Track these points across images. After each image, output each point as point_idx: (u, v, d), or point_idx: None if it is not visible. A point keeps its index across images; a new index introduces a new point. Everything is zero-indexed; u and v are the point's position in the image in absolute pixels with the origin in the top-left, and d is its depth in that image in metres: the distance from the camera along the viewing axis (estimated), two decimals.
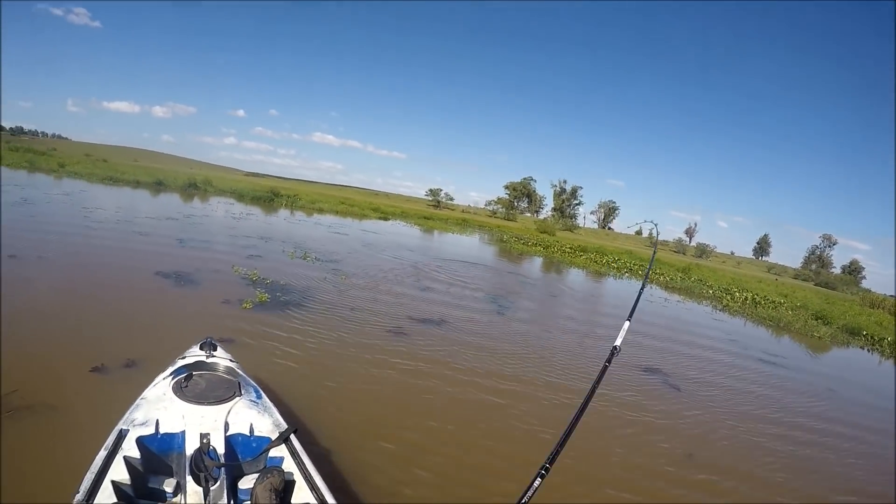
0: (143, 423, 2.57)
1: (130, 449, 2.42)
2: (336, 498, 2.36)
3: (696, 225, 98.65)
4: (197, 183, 33.71)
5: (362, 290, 10.86)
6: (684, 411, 7.11)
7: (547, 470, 1.83)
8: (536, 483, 1.76)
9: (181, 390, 2.82)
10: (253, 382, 3.23)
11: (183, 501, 2.35)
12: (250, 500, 2.27)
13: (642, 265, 31.42)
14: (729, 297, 22.62)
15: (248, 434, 2.73)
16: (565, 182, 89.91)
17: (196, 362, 3.24)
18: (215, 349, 3.47)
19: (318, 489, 2.38)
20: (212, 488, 2.33)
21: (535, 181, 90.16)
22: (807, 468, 6.11)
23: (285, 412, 3.29)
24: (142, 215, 16.64)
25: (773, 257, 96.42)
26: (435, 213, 59.02)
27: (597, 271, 26.19)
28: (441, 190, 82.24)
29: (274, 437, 2.70)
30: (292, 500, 2.41)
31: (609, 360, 2.48)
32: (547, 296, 16.41)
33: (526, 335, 9.85)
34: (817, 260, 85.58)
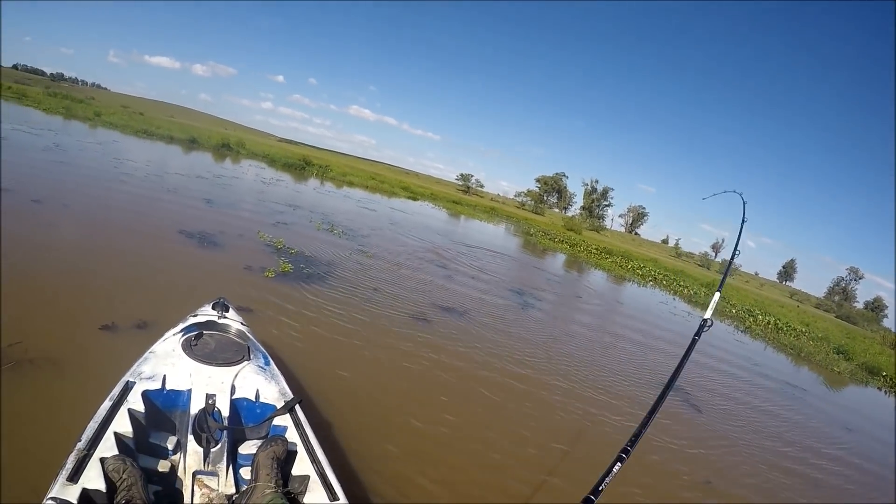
0: (150, 378, 2.54)
1: (135, 402, 2.39)
2: (335, 472, 2.31)
3: (723, 241, 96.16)
4: (230, 144, 33.56)
5: (387, 270, 10.45)
6: (704, 435, 6.72)
7: (627, 453, 1.77)
8: (616, 468, 1.70)
9: (190, 348, 2.81)
10: (262, 348, 3.17)
11: (182, 459, 2.31)
12: (251, 465, 2.28)
13: (667, 276, 30.67)
14: (752, 320, 21.99)
15: (254, 400, 2.70)
16: (597, 182, 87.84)
17: (207, 321, 3.18)
18: (227, 310, 3.41)
19: (319, 462, 2.34)
20: (212, 450, 2.31)
21: (567, 177, 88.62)
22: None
23: (293, 384, 3.18)
24: (172, 171, 16.38)
25: (797, 283, 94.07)
26: (464, 198, 58.42)
27: (621, 276, 25.52)
28: (472, 175, 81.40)
29: (279, 405, 2.67)
30: (293, 471, 2.36)
31: (698, 334, 2.42)
32: (572, 295, 15.88)
33: (549, 334, 9.44)
34: (841, 292, 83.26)
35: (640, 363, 9.34)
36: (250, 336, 3.24)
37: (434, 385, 5.67)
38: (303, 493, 2.26)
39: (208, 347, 2.90)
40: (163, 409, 2.52)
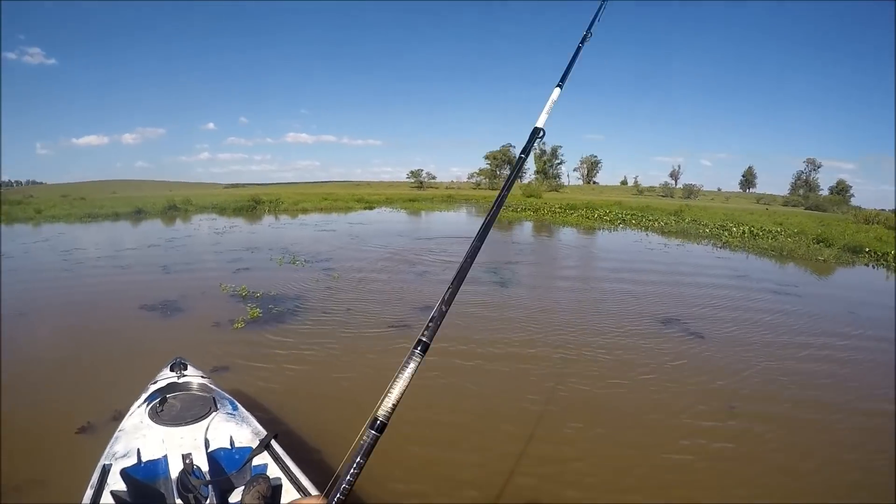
0: (124, 455, 2.52)
1: (116, 483, 2.35)
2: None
3: (679, 167, 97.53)
4: (177, 204, 32.81)
5: (356, 288, 10.43)
6: (716, 363, 6.76)
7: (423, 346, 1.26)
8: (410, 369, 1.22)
9: (157, 415, 2.80)
10: (227, 395, 3.19)
11: None
12: None
13: (634, 214, 31.11)
14: (727, 234, 22.27)
15: (230, 447, 2.71)
16: (545, 143, 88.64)
17: (168, 384, 3.20)
18: (186, 368, 3.43)
19: (305, 489, 2.36)
20: None
21: (515, 147, 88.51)
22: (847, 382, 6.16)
23: (269, 421, 3.33)
24: (123, 248, 15.99)
25: (760, 188, 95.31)
26: (419, 194, 58.43)
27: (590, 227, 25.80)
28: (422, 170, 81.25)
29: (255, 445, 2.65)
30: None
31: (525, 151, 1.73)
32: (549, 259, 16.05)
33: (536, 306, 9.53)
34: (804, 185, 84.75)
35: (638, 308, 9.43)
36: (213, 387, 3.26)
37: (422, 388, 5.70)
38: None
39: (174, 409, 2.89)
40: (144, 482, 2.50)
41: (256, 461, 2.58)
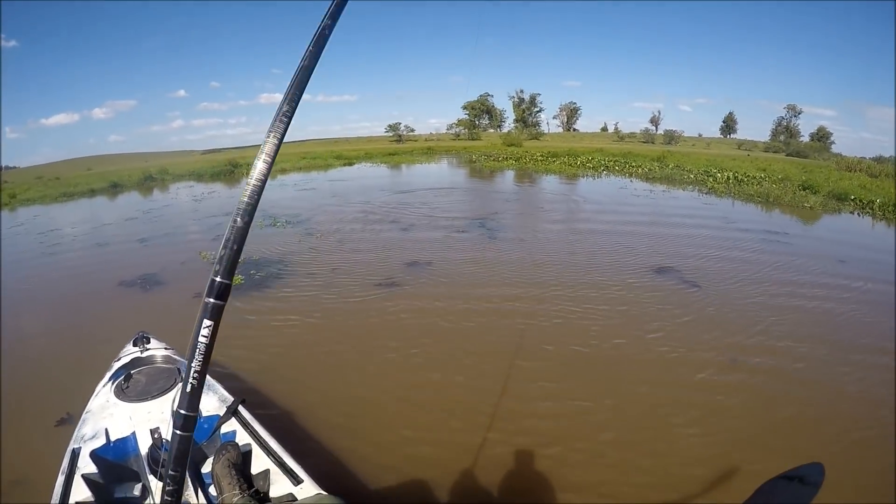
0: (93, 437, 2.48)
1: (87, 466, 2.31)
2: (294, 458, 2.33)
3: (659, 113, 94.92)
4: (153, 174, 31.87)
5: (340, 247, 10.19)
6: (712, 312, 6.59)
7: None
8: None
9: (123, 392, 2.76)
10: None
11: (152, 502, 2.23)
12: (213, 481, 2.20)
13: (616, 160, 30.64)
14: (712, 180, 21.92)
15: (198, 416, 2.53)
16: (522, 91, 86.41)
17: (132, 360, 3.14)
18: (149, 342, 3.36)
19: (275, 452, 2.36)
20: None
21: (493, 96, 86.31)
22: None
23: (239, 387, 3.31)
24: (99, 224, 15.45)
25: (741, 134, 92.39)
26: (399, 147, 57.07)
27: (574, 174, 25.31)
28: (400, 123, 79.14)
29: (222, 413, 2.58)
30: (252, 470, 2.34)
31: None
32: (533, 209, 15.72)
33: (522, 260, 9.42)
34: (785, 131, 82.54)
35: (633, 259, 9.27)
36: (177, 357, 3.20)
37: (415, 349, 5.56)
38: (267, 487, 2.24)
39: (140, 385, 2.84)
40: (116, 462, 2.45)
41: (225, 428, 2.55)
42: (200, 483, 2.34)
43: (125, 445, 2.50)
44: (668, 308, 6.60)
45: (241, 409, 2.60)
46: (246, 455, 2.37)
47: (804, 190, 18.47)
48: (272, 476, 2.28)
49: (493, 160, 33.66)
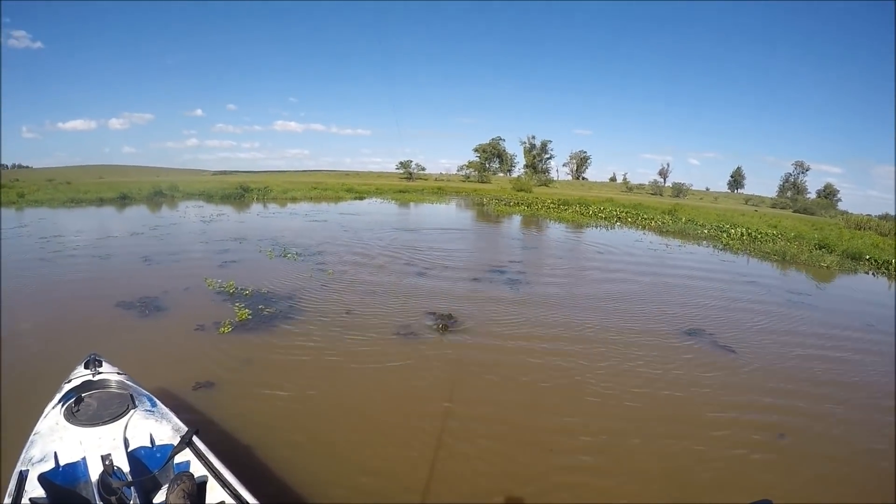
0: (41, 460, 2.38)
1: (34, 489, 2.21)
2: (250, 490, 2.27)
3: (668, 165, 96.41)
4: (163, 190, 31.53)
5: (355, 285, 9.58)
6: (754, 381, 6.17)
7: None
8: None
9: (73, 415, 2.67)
10: (145, 391, 3.05)
11: None
12: None
13: (628, 212, 30.40)
14: (725, 235, 21.70)
15: (150, 445, 2.60)
16: (534, 137, 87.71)
17: (83, 383, 3.00)
18: (101, 365, 3.21)
19: (230, 485, 2.30)
20: None
21: (504, 140, 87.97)
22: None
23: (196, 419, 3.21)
24: (104, 236, 14.81)
25: (748, 189, 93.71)
26: (409, 185, 57.26)
27: (586, 224, 24.96)
28: (411, 161, 79.85)
29: (176, 442, 2.55)
30: (207, 502, 2.28)
31: None
32: (550, 258, 15.18)
33: (545, 316, 8.75)
34: (792, 187, 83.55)
35: (663, 320, 8.74)
36: (130, 383, 3.07)
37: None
38: None
39: (91, 409, 2.75)
40: (65, 487, 2.36)
41: (179, 458, 2.47)
42: None
43: (75, 471, 2.40)
44: (708, 376, 6.07)
45: (195, 440, 2.52)
46: (201, 486, 2.29)
47: (820, 249, 18.21)
48: None
49: (505, 205, 33.41)
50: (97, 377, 3.07)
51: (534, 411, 5.07)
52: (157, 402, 2.93)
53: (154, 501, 2.35)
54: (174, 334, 6.56)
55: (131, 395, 2.89)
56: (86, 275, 9.66)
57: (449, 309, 8.15)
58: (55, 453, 2.41)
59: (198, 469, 2.40)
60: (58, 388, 3.01)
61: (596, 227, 23.98)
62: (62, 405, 2.76)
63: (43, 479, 2.29)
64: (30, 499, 2.16)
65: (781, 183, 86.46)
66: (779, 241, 20.23)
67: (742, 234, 21.83)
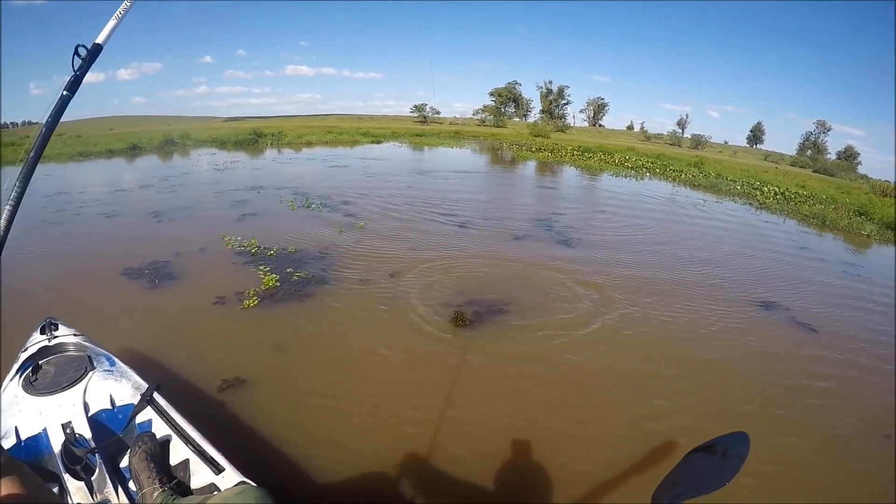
0: (3, 437, 2.16)
1: None
2: (215, 445, 2.13)
3: (687, 116, 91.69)
4: (174, 138, 30.00)
5: (393, 241, 8.32)
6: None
7: None
8: None
9: (31, 385, 2.44)
10: (104, 350, 2.78)
11: (70, 502, 1.95)
12: (131, 475, 2.04)
13: (654, 163, 28.53)
14: (759, 194, 20.12)
15: (111, 407, 2.40)
16: (551, 83, 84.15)
17: (39, 350, 2.73)
18: (57, 328, 2.89)
19: (194, 441, 2.17)
20: (93, 478, 2.03)
21: (521, 85, 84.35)
22: None
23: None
24: (112, 190, 13.54)
25: (768, 145, 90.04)
26: (425, 129, 54.98)
27: (615, 173, 23.05)
28: (426, 105, 77.36)
29: (136, 401, 2.35)
30: (171, 461, 2.13)
31: None
32: (595, 210, 13.97)
33: (612, 278, 7.57)
34: (812, 146, 79.72)
35: (732, 291, 7.72)
36: (87, 343, 2.82)
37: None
38: (188, 477, 2.06)
39: (49, 376, 2.50)
40: (29, 462, 2.07)
41: (140, 418, 2.30)
42: (120, 478, 2.10)
43: (37, 444, 2.18)
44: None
45: (157, 397, 2.35)
46: (164, 445, 2.15)
47: (859, 216, 16.60)
48: (192, 466, 2.09)
49: (527, 150, 31.60)
50: (53, 342, 2.82)
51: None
52: (116, 360, 2.70)
53: (121, 465, 2.21)
54: (188, 312, 5.34)
55: (89, 357, 2.67)
56: (90, 239, 8.34)
57: (506, 271, 6.94)
58: (16, 428, 2.23)
59: (160, 427, 2.26)
60: (14, 359, 2.73)
61: (626, 177, 22.14)
62: (20, 376, 2.55)
63: None
64: None
65: (801, 141, 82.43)
66: (815, 203, 18.65)
67: (775, 193, 20.32)
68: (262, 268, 6.49)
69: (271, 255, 7.15)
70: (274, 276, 6.19)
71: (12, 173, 1.53)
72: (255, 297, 5.55)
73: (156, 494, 1.87)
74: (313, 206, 10.77)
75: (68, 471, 2.03)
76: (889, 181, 37.24)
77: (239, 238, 7.89)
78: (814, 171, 57.27)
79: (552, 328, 5.31)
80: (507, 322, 5.41)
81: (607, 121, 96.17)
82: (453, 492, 3.10)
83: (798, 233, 13.15)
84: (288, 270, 6.46)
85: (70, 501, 1.98)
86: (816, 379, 4.74)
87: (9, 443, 2.17)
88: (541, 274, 7.10)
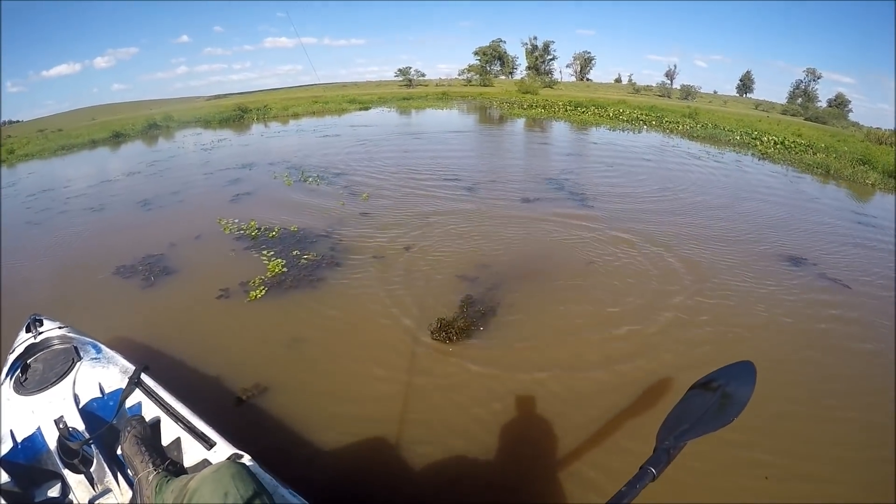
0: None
1: None
2: (206, 420, 2.09)
3: (675, 67, 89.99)
4: (157, 122, 28.94)
5: (401, 210, 7.79)
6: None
7: None
8: None
9: (22, 386, 2.39)
10: (89, 338, 2.70)
11: (74, 497, 1.95)
12: (125, 461, 1.98)
13: (648, 115, 27.62)
14: (759, 143, 19.44)
15: (101, 395, 2.35)
16: (535, 38, 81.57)
17: (26, 349, 2.65)
18: (42, 324, 2.80)
19: (184, 418, 2.14)
20: (92, 470, 2.01)
21: (505, 42, 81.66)
22: None
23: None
24: (97, 182, 12.67)
25: (758, 94, 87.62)
26: (412, 92, 53.43)
27: (611, 126, 22.11)
28: (410, 68, 75.20)
29: (125, 385, 2.29)
30: (163, 441, 2.10)
31: None
32: (601, 165, 13.40)
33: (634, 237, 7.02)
34: (803, 94, 77.76)
35: (757, 244, 7.60)
36: (72, 334, 2.71)
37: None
38: (181, 456, 2.04)
39: (38, 373, 2.44)
40: (28, 464, 2.08)
41: (130, 401, 2.24)
42: (118, 465, 2.05)
43: (33, 444, 2.13)
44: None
45: (145, 378, 2.30)
46: (155, 426, 2.12)
47: (862, 165, 15.94)
48: (184, 444, 2.06)
49: (519, 108, 30.58)
50: (39, 338, 2.73)
51: None
52: (102, 347, 2.62)
53: (118, 452, 2.07)
54: (190, 310, 4.78)
55: (75, 348, 2.60)
56: (77, 238, 7.62)
57: (526, 236, 6.40)
58: (11, 431, 2.14)
59: (150, 409, 2.20)
60: (3, 362, 2.65)
61: (623, 130, 21.20)
62: (10, 378, 2.48)
63: (5, 462, 2.02)
64: None
65: (792, 90, 79.97)
66: (815, 153, 18.07)
67: (774, 143, 19.67)
68: (265, 252, 5.92)
69: (273, 236, 6.57)
70: (279, 260, 5.64)
71: None
72: (261, 287, 5.00)
73: (151, 477, 1.82)
74: (310, 179, 10.10)
75: (67, 466, 2.00)
76: (881, 128, 36.47)
77: (237, 221, 7.29)
78: (805, 119, 56.27)
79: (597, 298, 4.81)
80: (549, 294, 4.90)
81: (594, 75, 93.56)
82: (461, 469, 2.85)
83: (804, 185, 12.42)
84: (294, 253, 5.89)
85: (74, 496, 1.94)
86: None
87: (6, 447, 2.10)
88: (565, 233, 6.58)
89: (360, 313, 4.56)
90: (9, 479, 2.00)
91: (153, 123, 28.64)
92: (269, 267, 5.48)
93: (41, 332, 2.80)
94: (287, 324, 4.38)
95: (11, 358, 2.69)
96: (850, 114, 71.43)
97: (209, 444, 2.02)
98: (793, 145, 19.58)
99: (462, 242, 6.25)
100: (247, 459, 1.88)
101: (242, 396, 3.41)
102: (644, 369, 3.78)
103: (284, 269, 5.44)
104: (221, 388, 3.52)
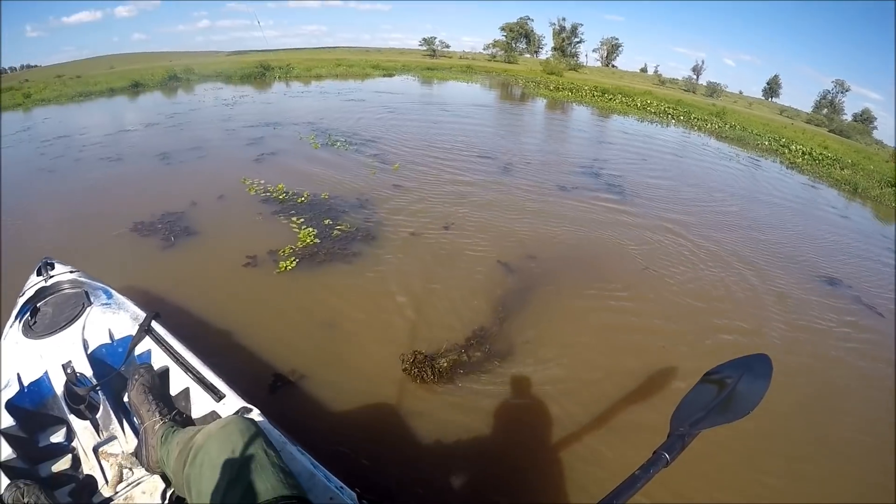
0: (5, 386, 2.09)
1: (4, 420, 1.98)
2: (215, 371, 2.04)
3: (702, 63, 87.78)
4: (177, 74, 28.22)
5: (436, 185, 7.30)
6: None
7: None
8: None
9: (31, 329, 2.31)
10: (101, 283, 2.59)
11: (79, 443, 1.91)
12: (132, 409, 1.92)
13: (675, 109, 26.60)
14: (788, 152, 18.73)
15: (111, 341, 2.26)
16: (564, 20, 79.89)
17: (37, 291, 2.55)
18: (53, 268, 2.71)
19: (193, 368, 2.08)
20: (98, 416, 1.97)
21: (533, 20, 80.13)
22: None
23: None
24: (115, 131, 12.10)
25: (783, 99, 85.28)
26: (436, 62, 52.29)
27: (639, 118, 21.23)
28: (435, 38, 73.89)
29: (135, 332, 2.21)
30: (171, 391, 2.06)
31: None
32: (639, 159, 12.94)
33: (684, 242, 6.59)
34: (829, 105, 76.08)
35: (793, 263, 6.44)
36: (84, 279, 2.60)
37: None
38: (189, 407, 2.01)
39: (47, 317, 2.36)
40: (34, 409, 2.05)
41: (140, 349, 2.18)
42: (125, 413, 1.99)
43: (40, 388, 2.09)
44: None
45: (155, 325, 2.21)
46: (163, 375, 2.07)
47: (891, 187, 15.21)
48: (192, 395, 2.03)
49: (545, 88, 29.70)
50: (50, 282, 2.59)
51: None
52: (113, 292, 2.47)
53: (125, 399, 1.99)
54: (213, 279, 4.33)
55: (86, 292, 2.45)
56: (92, 188, 7.15)
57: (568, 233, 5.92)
58: (18, 375, 2.09)
59: (159, 357, 2.13)
60: (13, 304, 2.48)
61: (651, 122, 20.44)
62: (19, 321, 2.35)
63: (10, 406, 1.99)
64: (0, 431, 1.87)
65: (818, 99, 78.10)
66: (844, 168, 17.45)
67: (803, 153, 18.99)
68: (294, 219, 5.47)
69: (302, 202, 6.11)
70: (311, 229, 5.18)
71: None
72: (292, 258, 4.55)
73: (157, 427, 1.78)
74: (338, 144, 9.58)
75: (73, 411, 1.97)
76: None
77: (263, 182, 6.83)
78: (829, 131, 55.07)
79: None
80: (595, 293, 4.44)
81: (620, 62, 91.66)
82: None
83: (835, 200, 11.86)
84: (326, 222, 5.44)
85: (80, 442, 1.91)
86: None
87: (11, 392, 2.08)
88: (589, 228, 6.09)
89: (398, 293, 4.12)
90: (13, 423, 1.98)
91: (173, 75, 27.98)
92: (300, 236, 5.03)
93: (52, 276, 2.71)
94: (319, 303, 3.95)
95: (21, 301, 2.62)
96: (875, 131, 70.04)
97: (218, 396, 1.98)
98: (820, 157, 19.00)
99: (504, 227, 5.79)
100: (256, 414, 1.84)
101: (264, 386, 3.03)
102: None
103: (317, 240, 4.98)
104: (238, 372, 3.12)
